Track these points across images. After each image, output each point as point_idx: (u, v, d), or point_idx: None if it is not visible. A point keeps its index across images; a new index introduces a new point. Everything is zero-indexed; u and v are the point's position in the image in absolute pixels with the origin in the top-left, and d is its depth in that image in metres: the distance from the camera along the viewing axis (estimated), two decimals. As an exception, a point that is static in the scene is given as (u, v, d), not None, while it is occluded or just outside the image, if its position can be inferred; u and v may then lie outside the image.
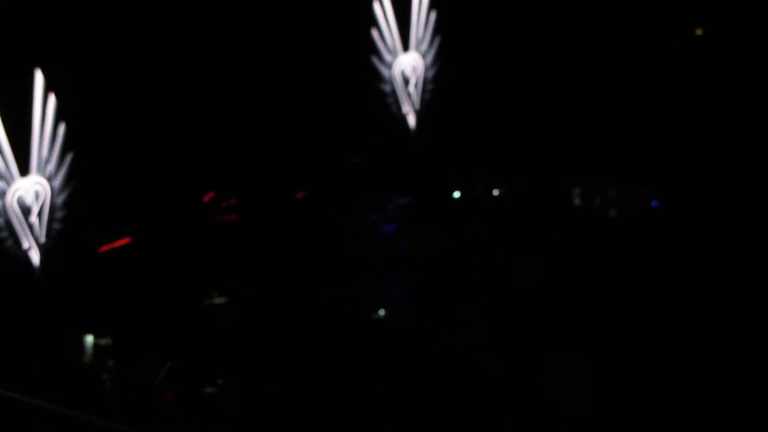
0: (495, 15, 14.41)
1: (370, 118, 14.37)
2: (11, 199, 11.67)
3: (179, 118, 12.64)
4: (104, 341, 11.08)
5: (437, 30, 14.73)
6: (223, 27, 12.98)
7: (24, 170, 11.77)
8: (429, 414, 9.04)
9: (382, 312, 11.50)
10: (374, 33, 14.31)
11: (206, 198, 13.35)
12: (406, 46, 14.63)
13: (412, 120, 14.87)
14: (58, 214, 12.08)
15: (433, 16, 14.68)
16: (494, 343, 10.27)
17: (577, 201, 13.41)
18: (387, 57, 14.51)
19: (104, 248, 12.48)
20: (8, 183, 11.64)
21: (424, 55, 14.75)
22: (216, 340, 11.19)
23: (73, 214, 12.10)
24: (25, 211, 11.76)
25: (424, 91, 14.85)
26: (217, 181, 13.34)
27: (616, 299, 10.56)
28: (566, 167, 13.75)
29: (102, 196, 12.15)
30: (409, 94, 14.76)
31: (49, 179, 12.00)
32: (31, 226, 11.85)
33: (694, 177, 12.86)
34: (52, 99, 11.93)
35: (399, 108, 14.77)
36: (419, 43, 14.69)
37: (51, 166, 12.02)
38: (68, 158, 12.11)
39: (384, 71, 14.56)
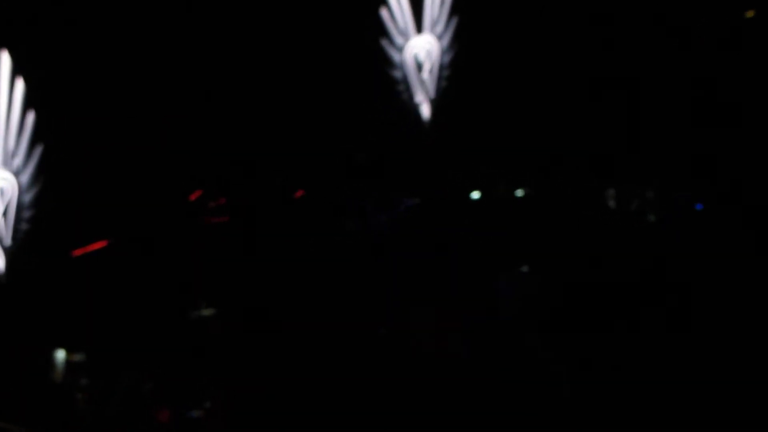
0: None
1: (378, 108, 13.93)
2: (-27, 197, 11.77)
3: (162, 106, 12.48)
4: (78, 357, 10.94)
5: (454, 9, 14.17)
6: (209, 6, 12.75)
7: (-12, 164, 11.89)
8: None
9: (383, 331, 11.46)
10: (384, 13, 13.84)
11: (193, 197, 13.15)
12: (419, 28, 14.14)
13: (426, 110, 14.33)
14: (26, 214, 11.88)
15: (449, -7, 14.70)
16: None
17: (611, 203, 13.16)
18: (398, 40, 14.04)
19: (77, 252, 12.26)
20: (-30, 178, 11.75)
21: (439, 38, 14.18)
22: (203, 355, 11.05)
23: (43, 214, 11.89)
24: (-12, 210, 11.86)
25: (439, 78, 14.29)
26: (205, 177, 13.17)
27: (635, 306, 10.47)
28: (600, 166, 13.47)
29: (75, 193, 11.94)
30: (422, 82, 14.24)
31: (16, 174, 11.82)
32: (-6, 228, 11.86)
33: (745, 177, 12.50)
34: (20, 84, 11.74)
35: (411, 97, 14.28)
36: (434, 24, 14.14)
37: (18, 160, 11.83)
38: (37, 151, 11.91)
39: (395, 56, 14.09)
